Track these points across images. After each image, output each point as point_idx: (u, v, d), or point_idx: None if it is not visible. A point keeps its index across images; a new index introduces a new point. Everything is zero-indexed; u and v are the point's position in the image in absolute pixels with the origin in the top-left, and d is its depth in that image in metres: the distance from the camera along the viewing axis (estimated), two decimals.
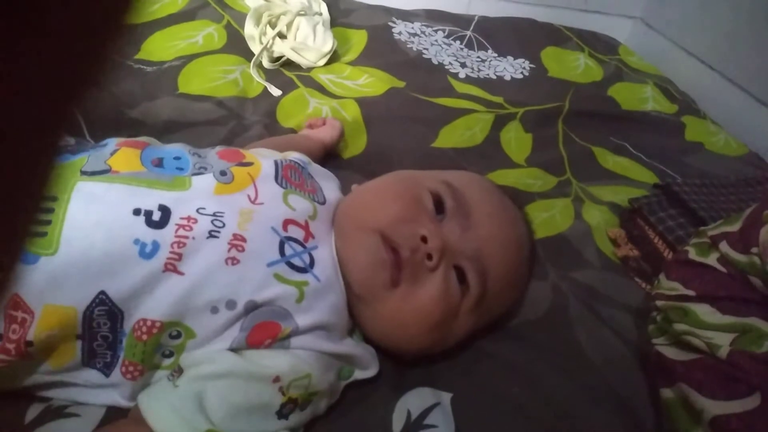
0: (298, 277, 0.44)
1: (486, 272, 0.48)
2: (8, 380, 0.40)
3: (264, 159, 0.51)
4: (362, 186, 0.55)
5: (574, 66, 1.16)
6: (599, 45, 1.25)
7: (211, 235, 0.42)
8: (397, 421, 0.46)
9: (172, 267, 0.40)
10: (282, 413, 0.40)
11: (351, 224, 0.49)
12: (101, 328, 0.39)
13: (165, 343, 0.40)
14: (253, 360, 0.41)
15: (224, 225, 0.43)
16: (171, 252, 0.40)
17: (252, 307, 0.41)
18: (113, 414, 0.42)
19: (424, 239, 0.46)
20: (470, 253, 0.48)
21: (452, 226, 0.48)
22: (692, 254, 0.55)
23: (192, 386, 0.39)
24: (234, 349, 0.41)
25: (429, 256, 0.46)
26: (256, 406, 0.40)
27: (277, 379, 0.40)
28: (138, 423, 0.38)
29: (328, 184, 0.55)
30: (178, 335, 0.40)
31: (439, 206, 0.50)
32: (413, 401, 0.48)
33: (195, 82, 0.82)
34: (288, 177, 0.50)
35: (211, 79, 0.84)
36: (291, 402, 0.41)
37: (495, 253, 0.49)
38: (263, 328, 0.41)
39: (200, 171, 0.47)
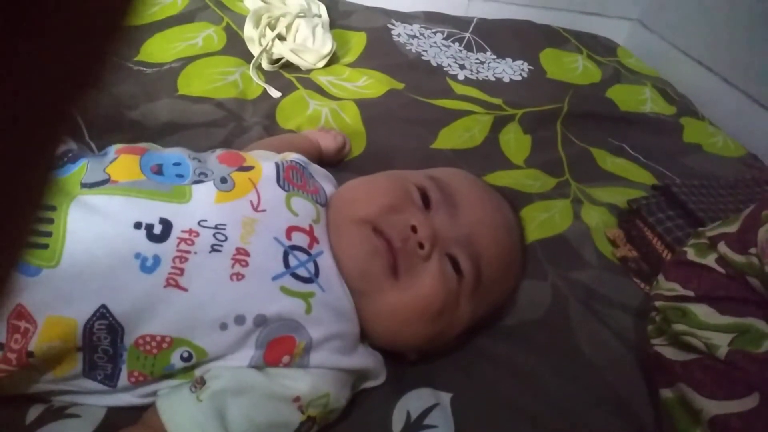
0: (304, 288, 0.43)
1: (478, 257, 0.49)
2: (11, 388, 0.40)
3: (264, 162, 0.51)
4: (350, 182, 0.55)
5: (573, 68, 1.16)
6: (597, 47, 1.26)
7: (214, 249, 0.42)
8: (397, 421, 0.47)
9: (174, 282, 0.40)
10: (300, 431, 0.41)
11: (342, 218, 0.49)
12: (101, 342, 0.39)
13: (176, 363, 0.40)
14: (275, 379, 0.41)
15: (226, 238, 0.42)
16: (172, 267, 0.40)
17: (262, 321, 0.41)
18: (114, 414, 0.42)
19: (414, 229, 0.47)
20: (461, 239, 0.48)
21: (440, 216, 0.49)
22: (691, 255, 0.55)
23: (215, 402, 0.38)
24: (254, 368, 0.41)
25: (421, 246, 0.46)
26: (276, 424, 0.40)
27: (297, 399, 0.40)
28: (152, 428, 0.38)
29: (327, 185, 0.55)
30: (189, 357, 0.40)
31: (425, 200, 0.50)
32: (413, 402, 0.48)
33: (195, 83, 0.82)
34: (290, 179, 0.50)
35: (210, 80, 0.84)
36: (310, 420, 0.41)
37: (484, 237, 0.50)
38: (279, 343, 0.41)
39: (200, 178, 0.47)
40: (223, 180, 0.47)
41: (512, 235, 0.54)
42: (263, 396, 0.40)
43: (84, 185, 0.43)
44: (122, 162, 0.46)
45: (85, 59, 0.12)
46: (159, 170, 0.46)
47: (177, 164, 0.48)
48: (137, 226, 0.41)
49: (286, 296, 0.42)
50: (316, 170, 0.56)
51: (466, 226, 0.49)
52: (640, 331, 0.59)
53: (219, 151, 0.53)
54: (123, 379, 0.40)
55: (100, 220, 0.41)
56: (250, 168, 0.50)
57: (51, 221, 0.39)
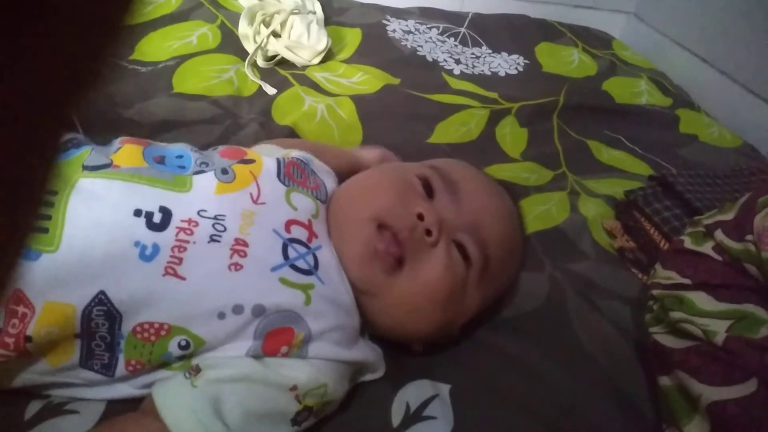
0: (304, 279, 0.43)
1: (485, 242, 0.49)
2: (6, 378, 0.40)
3: (266, 156, 0.51)
4: (350, 180, 0.55)
5: (568, 61, 1.16)
6: (593, 40, 1.26)
7: (213, 239, 0.42)
8: (396, 413, 0.47)
9: (172, 271, 0.40)
10: (296, 420, 0.41)
11: (346, 217, 0.49)
12: (99, 329, 0.39)
13: (173, 351, 0.40)
14: (272, 367, 0.40)
15: (225, 229, 0.43)
16: (171, 256, 0.40)
17: (260, 311, 0.41)
18: (113, 410, 0.42)
19: (420, 217, 0.47)
20: (466, 226, 0.49)
21: (444, 204, 0.49)
22: (688, 243, 0.55)
23: (210, 388, 0.38)
24: (251, 357, 0.41)
25: (428, 233, 0.46)
26: (272, 412, 0.40)
27: (294, 388, 0.40)
28: (149, 415, 0.38)
29: (329, 181, 0.55)
30: (187, 345, 0.40)
31: (428, 190, 0.50)
32: (412, 393, 0.48)
33: (190, 81, 0.82)
34: (290, 174, 0.50)
35: (206, 78, 0.84)
36: (306, 410, 0.41)
37: (489, 222, 0.50)
38: (277, 334, 0.41)
39: (202, 168, 0.47)
40: (224, 171, 0.47)
41: (514, 221, 0.55)
42: (259, 384, 0.40)
43: (86, 168, 0.43)
44: (126, 150, 0.46)
45: (85, 59, 0.12)
46: (161, 160, 0.47)
47: (179, 156, 0.48)
48: (137, 213, 0.41)
49: (285, 287, 0.42)
50: (319, 168, 0.56)
51: (470, 213, 0.49)
52: (637, 321, 0.59)
53: (221, 147, 0.54)
54: (120, 369, 0.40)
55: (100, 205, 0.41)
56: (251, 161, 0.50)
57: (51, 205, 0.40)
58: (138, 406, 0.41)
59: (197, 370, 0.40)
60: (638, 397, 0.52)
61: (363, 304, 0.47)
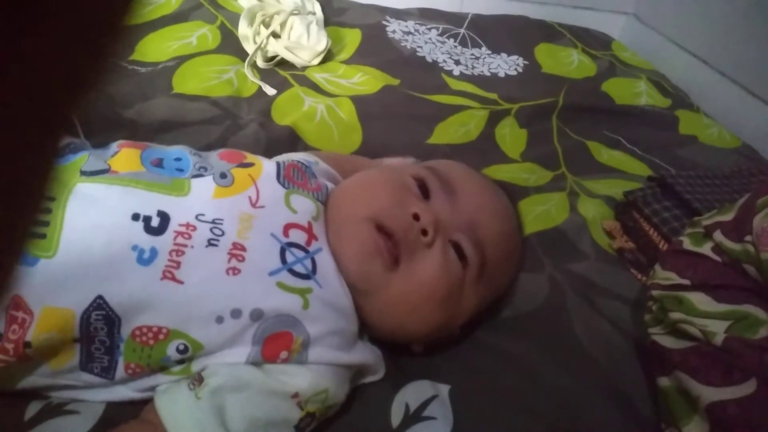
0: (301, 284, 0.43)
1: (481, 242, 0.49)
2: (7, 381, 0.40)
3: (266, 160, 0.52)
4: (347, 180, 0.55)
5: (568, 62, 1.16)
6: (592, 41, 1.26)
7: (210, 243, 0.42)
8: (396, 414, 0.47)
9: (170, 275, 0.40)
10: (299, 427, 0.41)
11: (342, 218, 0.49)
12: (98, 333, 0.39)
13: (172, 355, 0.40)
14: (273, 375, 0.40)
15: (223, 233, 0.43)
16: (169, 260, 0.40)
17: (258, 316, 0.41)
18: (112, 410, 0.42)
19: (416, 217, 0.47)
20: (463, 225, 0.49)
21: (441, 203, 0.49)
22: (687, 244, 0.55)
23: (213, 399, 0.38)
24: (251, 364, 0.41)
25: (424, 232, 0.46)
26: (275, 420, 0.40)
27: (295, 395, 0.40)
28: (152, 425, 0.38)
29: (331, 183, 0.55)
30: (185, 349, 0.40)
31: (424, 190, 0.50)
32: (411, 394, 0.48)
33: (190, 82, 0.82)
34: (290, 176, 0.50)
35: (205, 79, 0.84)
36: (309, 416, 0.41)
37: (486, 222, 0.50)
38: (276, 339, 0.41)
39: (200, 172, 0.47)
40: (223, 175, 0.47)
41: (512, 221, 0.55)
42: (261, 392, 0.40)
43: (83, 173, 0.43)
44: (123, 155, 0.46)
45: (85, 59, 0.12)
46: (159, 163, 0.47)
47: (178, 159, 0.48)
48: (135, 217, 0.41)
49: (283, 292, 0.42)
50: (322, 171, 0.56)
51: (467, 213, 0.49)
52: (637, 322, 0.59)
53: (220, 150, 0.54)
54: (120, 372, 0.40)
55: (98, 210, 0.41)
56: (250, 165, 0.50)
57: (49, 211, 0.40)
58: (137, 407, 0.41)
59: (200, 379, 0.40)
60: (638, 397, 0.52)
61: (361, 306, 0.47)
